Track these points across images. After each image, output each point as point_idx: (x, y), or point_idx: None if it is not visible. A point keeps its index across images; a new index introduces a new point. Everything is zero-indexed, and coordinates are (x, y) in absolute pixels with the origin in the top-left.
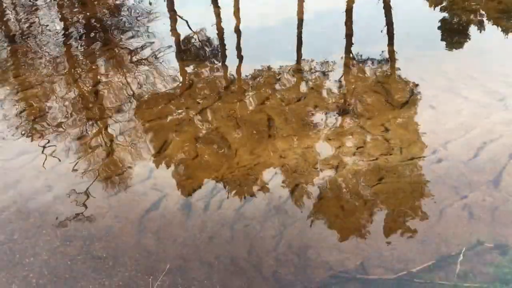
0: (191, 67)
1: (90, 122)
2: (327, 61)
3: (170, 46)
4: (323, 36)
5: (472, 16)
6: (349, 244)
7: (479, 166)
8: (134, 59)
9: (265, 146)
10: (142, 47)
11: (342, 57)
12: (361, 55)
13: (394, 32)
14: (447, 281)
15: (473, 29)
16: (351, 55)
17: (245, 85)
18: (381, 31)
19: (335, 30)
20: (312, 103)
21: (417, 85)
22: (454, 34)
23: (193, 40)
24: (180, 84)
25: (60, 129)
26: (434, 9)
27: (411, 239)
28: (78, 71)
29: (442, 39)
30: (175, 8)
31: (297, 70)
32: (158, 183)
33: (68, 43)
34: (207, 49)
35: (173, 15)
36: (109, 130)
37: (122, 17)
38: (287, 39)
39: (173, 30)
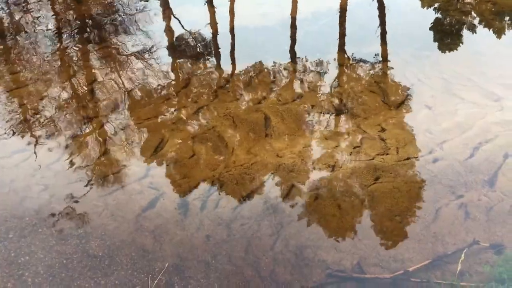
0: (187, 66)
1: (86, 121)
2: (324, 61)
3: (165, 45)
4: (319, 36)
5: (467, 18)
6: (346, 243)
7: (474, 166)
8: (129, 57)
9: (262, 145)
10: (137, 46)
11: (338, 57)
12: (357, 55)
13: (390, 32)
14: (443, 280)
15: (468, 31)
16: (347, 55)
17: (241, 84)
18: (375, 32)
19: (332, 30)
20: (309, 103)
21: (413, 85)
22: (449, 35)
23: (188, 39)
24: (176, 83)
25: (55, 128)
26: (428, 10)
27: (407, 238)
28: (73, 70)
29: (437, 40)
30: (170, 7)
31: (294, 69)
32: (155, 181)
33: (62, 41)
34: (203, 48)
35: (168, 14)
36: (105, 128)
37: (116, 15)
38: (284, 38)
39: (168, 29)
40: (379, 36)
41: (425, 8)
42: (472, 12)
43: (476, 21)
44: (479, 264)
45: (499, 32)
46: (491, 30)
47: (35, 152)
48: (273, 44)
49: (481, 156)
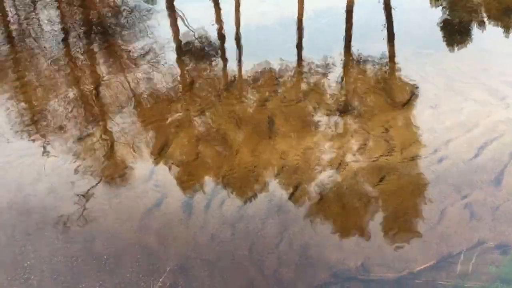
0: (191, 66)
1: (91, 123)
2: (328, 61)
3: (170, 45)
4: (323, 35)
5: (472, 15)
6: (351, 244)
7: (480, 165)
8: (134, 58)
9: (265, 146)
10: (142, 47)
11: (342, 56)
12: (361, 54)
13: (395, 31)
14: (449, 280)
15: (473, 28)
16: (351, 54)
17: (245, 85)
18: (381, 30)
19: (336, 29)
20: (313, 103)
21: (417, 84)
22: (454, 33)
23: (193, 39)
24: (181, 84)
25: (61, 129)
26: (434, 8)
27: (412, 239)
28: (78, 71)
29: (442, 38)
30: (175, 6)
31: (298, 69)
32: (159, 183)
33: (68, 42)
34: (207, 48)
35: (173, 14)
36: (110, 130)
37: (122, 15)
38: (288, 37)
39: (173, 29)
40: (383, 35)
41: (432, 6)
42: (479, 10)
43: (482, 19)
44: (484, 264)
45: (506, 30)
46: (498, 28)
47: (41, 154)
48: (275, 43)
49: (487, 155)
